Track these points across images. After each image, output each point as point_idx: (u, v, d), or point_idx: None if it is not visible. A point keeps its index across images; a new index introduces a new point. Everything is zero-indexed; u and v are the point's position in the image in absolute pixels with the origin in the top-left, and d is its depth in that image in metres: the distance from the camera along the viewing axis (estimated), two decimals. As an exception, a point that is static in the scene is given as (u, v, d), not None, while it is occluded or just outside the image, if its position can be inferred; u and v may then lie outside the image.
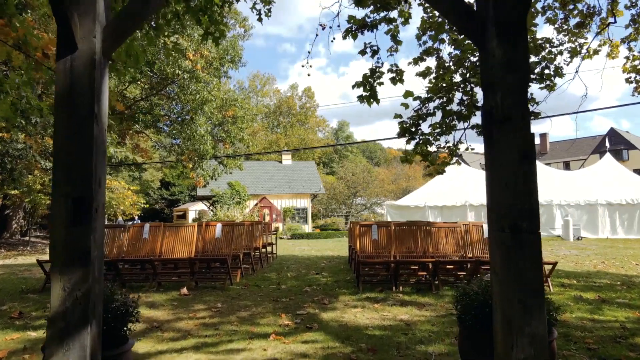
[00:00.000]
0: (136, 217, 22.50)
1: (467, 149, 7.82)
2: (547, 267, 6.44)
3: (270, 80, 53.18)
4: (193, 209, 37.36)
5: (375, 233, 6.67)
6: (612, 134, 45.63)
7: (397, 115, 7.32)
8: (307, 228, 27.94)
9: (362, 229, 6.78)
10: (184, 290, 5.91)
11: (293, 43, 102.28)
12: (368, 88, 6.87)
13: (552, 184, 23.00)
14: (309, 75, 5.65)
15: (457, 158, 7.87)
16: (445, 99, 7.56)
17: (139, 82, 17.73)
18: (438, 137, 7.67)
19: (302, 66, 5.21)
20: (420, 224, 6.86)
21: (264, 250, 9.66)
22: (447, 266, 6.67)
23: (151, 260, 6.25)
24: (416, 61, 7.78)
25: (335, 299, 5.62)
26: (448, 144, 7.85)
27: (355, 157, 55.57)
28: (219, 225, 6.85)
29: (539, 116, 7.21)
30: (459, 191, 23.66)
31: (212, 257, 6.67)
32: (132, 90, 19.25)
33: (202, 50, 15.75)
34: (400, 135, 7.51)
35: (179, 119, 18.69)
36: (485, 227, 6.69)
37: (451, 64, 7.63)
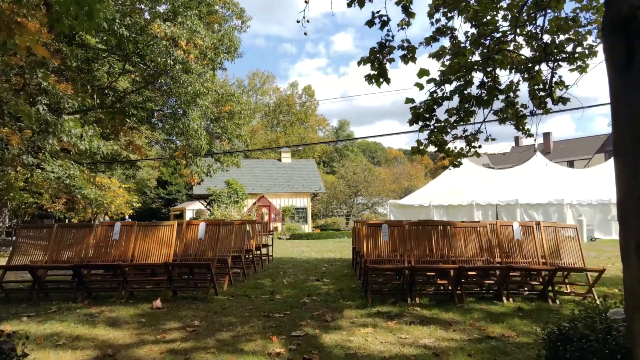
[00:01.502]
0: (127, 216, 21.46)
1: (487, 139, 6.86)
2: (591, 275, 5.45)
3: (270, 78, 52.18)
4: (190, 209, 36.58)
5: (385, 234, 5.67)
6: (618, 133, 44.68)
7: (408, 100, 6.37)
8: (307, 228, 26.97)
9: (370, 229, 5.78)
10: (157, 303, 4.91)
11: (293, 43, 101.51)
12: (376, 65, 5.90)
13: (562, 182, 22.07)
14: (305, 34, 4.66)
15: (475, 149, 6.90)
16: (463, 81, 6.58)
17: (129, 74, 16.78)
18: (455, 124, 6.71)
19: (298, 22, 4.22)
20: (438, 223, 5.86)
21: (257, 252, 8.67)
22: (469, 272, 5.68)
23: (119, 265, 5.25)
24: (428, 41, 6.79)
25: (339, 314, 4.62)
26: (466, 133, 6.88)
27: (355, 156, 54.62)
28: (202, 225, 5.85)
29: (568, 102, 6.27)
30: (464, 190, 22.76)
31: (193, 261, 5.67)
32: (124, 84, 18.29)
33: (196, 39, 14.75)
34: (413, 121, 6.53)
35: (172, 113, 17.73)
36: (516, 226, 5.70)
37: (467, 44, 6.63)
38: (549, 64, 6.30)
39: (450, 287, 5.34)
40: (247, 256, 8.31)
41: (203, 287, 5.77)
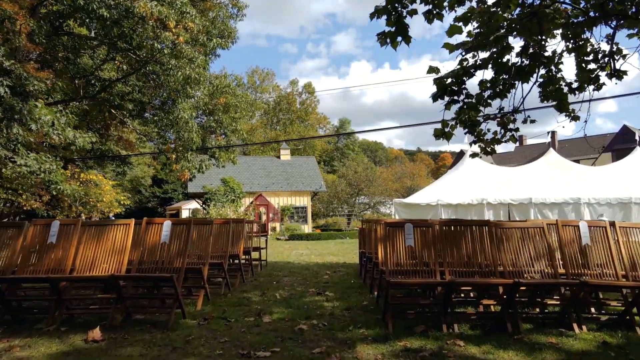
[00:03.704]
0: (111, 215, 20.05)
1: (525, 120, 5.49)
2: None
3: (269, 75, 50.64)
4: (186, 208, 35.39)
5: (410, 237, 4.27)
6: (625, 131, 43.59)
7: (432, 69, 4.96)
8: (307, 228, 25.58)
9: (389, 229, 4.38)
10: (95, 333, 3.51)
11: (294, 44, 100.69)
12: (393, 20, 4.51)
13: (578, 179, 20.72)
14: None
15: (512, 133, 5.50)
16: (499, 47, 5.15)
17: (114, 62, 15.39)
18: (489, 100, 5.32)
19: None
20: (479, 222, 4.46)
21: (246, 257, 7.27)
22: (521, 288, 4.27)
23: (50, 279, 3.85)
24: (452, 5, 5.35)
25: (350, 353, 3.22)
26: (502, 112, 5.47)
27: (356, 155, 53.28)
28: (166, 224, 4.46)
29: (624, 76, 4.90)
30: (474, 188, 21.39)
31: (152, 273, 4.25)
32: (110, 73, 16.93)
33: (186, 21, 13.34)
34: (437, 96, 5.11)
35: (161, 103, 16.34)
36: (584, 226, 4.29)
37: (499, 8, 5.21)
38: (610, 24, 4.89)
39: (499, 309, 3.94)
40: (233, 261, 6.93)
41: (166, 308, 4.37)
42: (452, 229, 4.42)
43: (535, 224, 4.32)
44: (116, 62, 15.29)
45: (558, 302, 4.05)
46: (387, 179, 38.25)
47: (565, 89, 5.05)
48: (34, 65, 11.23)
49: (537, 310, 4.35)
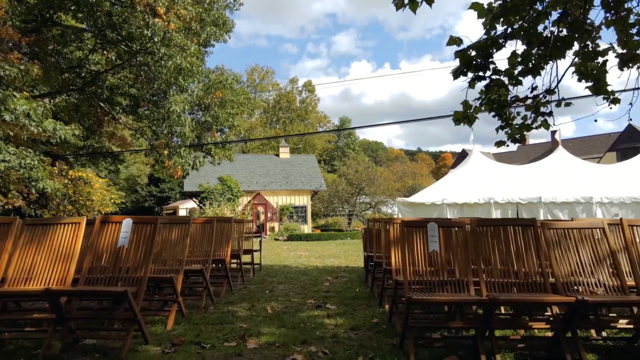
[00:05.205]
0: (96, 215, 19.16)
1: (559, 103, 4.57)
2: None
3: (269, 73, 49.73)
4: (184, 207, 34.58)
5: (435, 240, 3.36)
6: (630, 130, 42.74)
7: (453, 40, 4.07)
8: (306, 228, 24.68)
9: (407, 230, 3.46)
10: (15, 371, 2.61)
11: (294, 44, 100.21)
12: (413, -27, 3.63)
13: (588, 178, 19.86)
14: None
15: (544, 118, 4.60)
16: (533, 14, 4.27)
17: (103, 52, 14.50)
18: (520, 77, 4.45)
19: None
20: (521, 222, 3.55)
21: (235, 262, 6.36)
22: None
23: (-33, 295, 2.95)
24: None
25: (362, 403, 2.31)
26: (535, 93, 4.58)
27: (357, 154, 52.43)
28: (126, 223, 3.54)
29: None
30: (480, 187, 20.52)
31: (102, 286, 3.32)
32: (99, 66, 16.07)
33: (177, 8, 12.45)
34: (460, 72, 4.20)
35: (152, 95, 15.46)
36: (657, 228, 3.38)
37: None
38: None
39: (552, 334, 3.02)
40: (221, 267, 6.02)
41: (123, 331, 3.44)
42: (489, 229, 3.50)
43: (593, 224, 3.41)
44: (104, 52, 14.44)
45: (633, 325, 3.13)
46: (389, 178, 37.45)
47: (616, 61, 4.13)
48: (17, 56, 10.39)
49: (593, 332, 3.44)
